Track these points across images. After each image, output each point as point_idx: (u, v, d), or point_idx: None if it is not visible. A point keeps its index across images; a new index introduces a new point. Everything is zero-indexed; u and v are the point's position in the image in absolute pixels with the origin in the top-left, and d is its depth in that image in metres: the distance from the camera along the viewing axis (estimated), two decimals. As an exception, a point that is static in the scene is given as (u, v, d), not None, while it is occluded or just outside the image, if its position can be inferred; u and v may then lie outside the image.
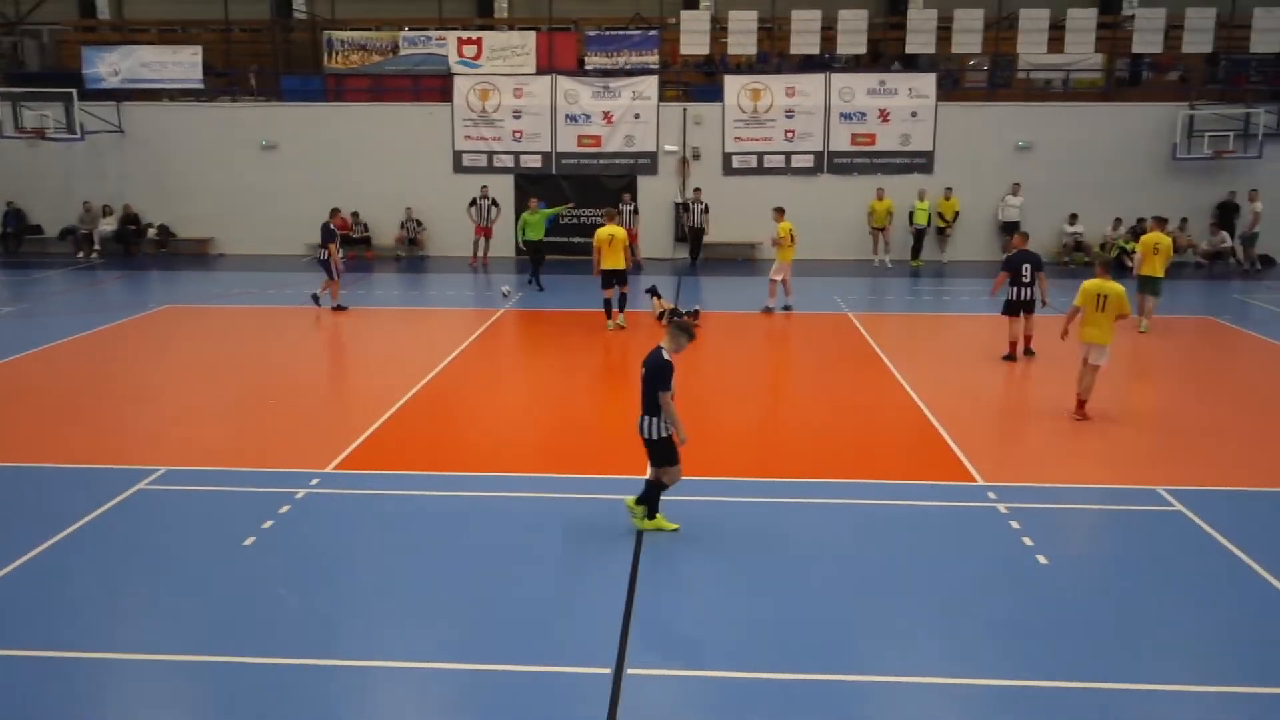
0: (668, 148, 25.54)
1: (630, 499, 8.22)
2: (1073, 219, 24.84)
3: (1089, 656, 6.36)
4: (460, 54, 25.43)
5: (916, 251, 24.91)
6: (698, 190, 24.46)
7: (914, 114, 25.17)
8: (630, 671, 6.14)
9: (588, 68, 25.62)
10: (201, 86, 25.84)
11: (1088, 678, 6.11)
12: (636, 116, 25.43)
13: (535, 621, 6.76)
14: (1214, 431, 11.14)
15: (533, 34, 25.58)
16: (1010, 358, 14.35)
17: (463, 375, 13.66)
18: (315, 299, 17.98)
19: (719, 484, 9.34)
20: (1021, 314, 14.30)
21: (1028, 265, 14.16)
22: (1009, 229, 24.91)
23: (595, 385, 13.72)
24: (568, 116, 25.50)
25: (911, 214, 24.78)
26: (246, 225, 26.04)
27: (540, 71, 25.32)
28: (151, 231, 26.16)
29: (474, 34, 25.84)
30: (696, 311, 17.22)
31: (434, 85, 25.89)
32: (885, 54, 27.05)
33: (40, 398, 12.25)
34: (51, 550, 7.82)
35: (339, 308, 18.12)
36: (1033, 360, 14.42)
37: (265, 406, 12.01)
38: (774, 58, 26.69)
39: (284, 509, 8.64)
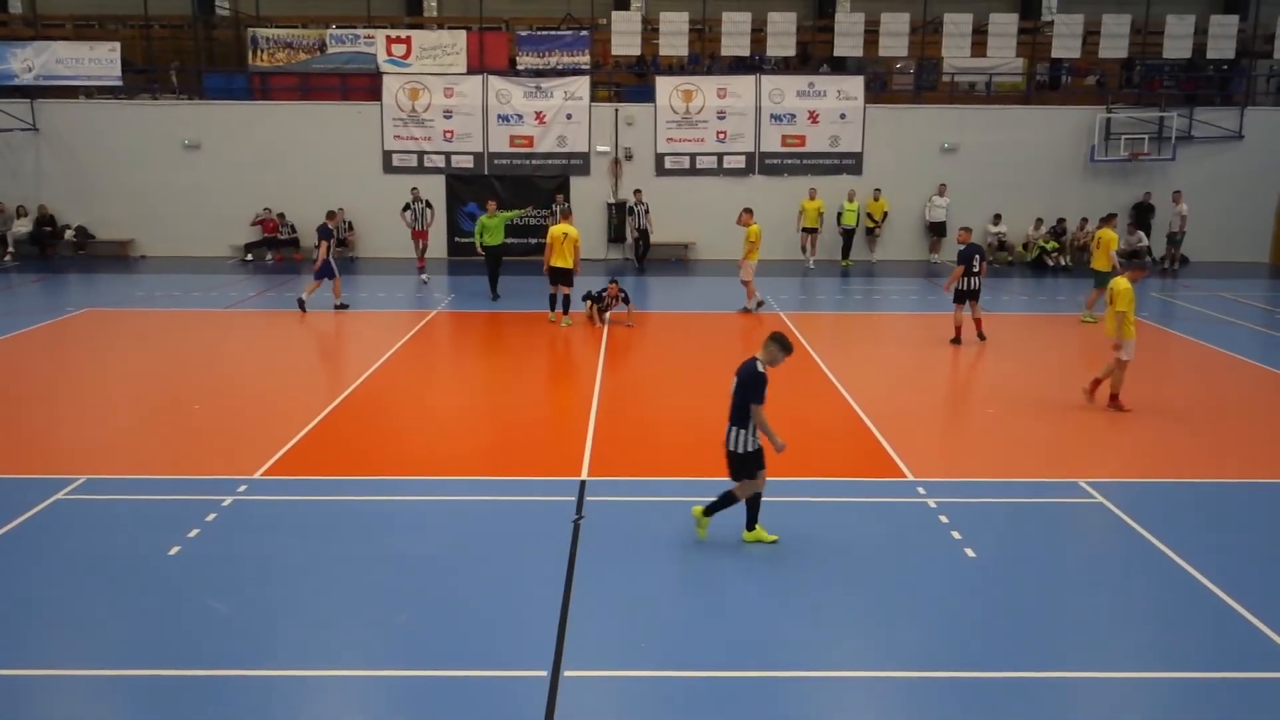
0: (600, 148, 25.55)
1: (698, 508, 8.11)
2: (996, 219, 25.46)
3: (1015, 647, 6.53)
4: (389, 53, 25.14)
5: (846, 251, 25.29)
6: (638, 191, 24.41)
7: (843, 115, 25.56)
8: (567, 674, 6.14)
9: (519, 68, 25.52)
10: (120, 84, 25.15)
11: (1014, 668, 6.27)
12: (569, 117, 25.40)
13: (470, 626, 6.72)
14: (1134, 425, 11.51)
15: (463, 33, 25.42)
16: (956, 341, 15.48)
17: (395, 378, 13.49)
18: (301, 304, 17.84)
19: (652, 484, 9.38)
20: (968, 301, 15.40)
21: (977, 256, 15.37)
22: (936, 229, 25.52)
23: (529, 386, 13.65)
24: (499, 117, 25.36)
25: (840, 215, 25.15)
26: (168, 226, 25.39)
27: (471, 71, 25.14)
28: (69, 233, 25.33)
29: (403, 33, 25.58)
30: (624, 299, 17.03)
31: (362, 84, 25.55)
32: (814, 56, 27.42)
33: (-49, 406, 11.78)
34: (-37, 564, 7.51)
35: (341, 306, 18.16)
36: (961, 350, 15.18)
37: (190, 412, 11.71)
38: (705, 59, 26.89)
39: (210, 517, 8.44)
